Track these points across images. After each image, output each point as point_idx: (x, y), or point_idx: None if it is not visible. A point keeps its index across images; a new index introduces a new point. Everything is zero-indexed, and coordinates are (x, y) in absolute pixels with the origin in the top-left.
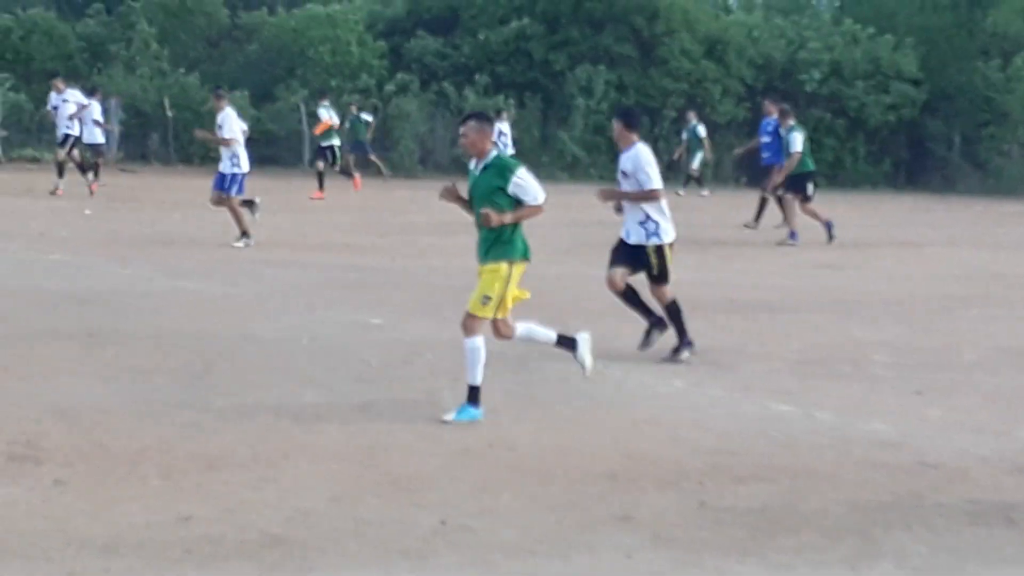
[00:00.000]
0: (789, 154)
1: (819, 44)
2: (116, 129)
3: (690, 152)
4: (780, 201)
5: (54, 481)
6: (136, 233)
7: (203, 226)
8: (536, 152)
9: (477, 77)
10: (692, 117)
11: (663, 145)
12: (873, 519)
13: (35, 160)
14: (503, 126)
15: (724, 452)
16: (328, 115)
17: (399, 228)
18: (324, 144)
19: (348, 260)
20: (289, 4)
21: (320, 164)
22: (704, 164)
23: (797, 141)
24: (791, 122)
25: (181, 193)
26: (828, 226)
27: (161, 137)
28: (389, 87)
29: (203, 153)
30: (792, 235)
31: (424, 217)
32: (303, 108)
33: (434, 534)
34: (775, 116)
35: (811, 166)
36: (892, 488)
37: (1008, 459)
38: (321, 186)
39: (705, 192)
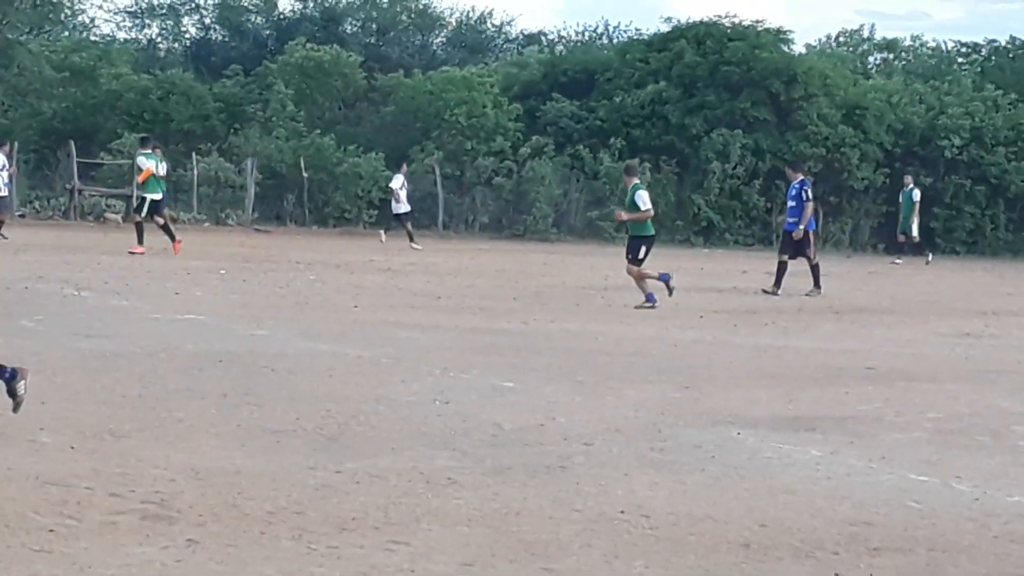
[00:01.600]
0: None
1: (959, 110)
2: (252, 190)
3: (905, 217)
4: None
5: (187, 541)
6: (270, 294)
7: (338, 288)
8: (671, 216)
9: (612, 140)
10: (909, 182)
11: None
12: None
13: (172, 220)
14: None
15: (860, 522)
16: (149, 163)
17: (533, 291)
18: (146, 195)
19: (482, 323)
20: (425, 67)
21: (137, 216)
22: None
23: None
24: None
25: (315, 254)
26: (664, 278)
27: (296, 198)
28: (524, 149)
29: (338, 215)
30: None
31: (558, 280)
32: (437, 170)
33: None
34: (798, 179)
35: (651, 230)
36: None
37: None
38: (140, 240)
39: (929, 257)
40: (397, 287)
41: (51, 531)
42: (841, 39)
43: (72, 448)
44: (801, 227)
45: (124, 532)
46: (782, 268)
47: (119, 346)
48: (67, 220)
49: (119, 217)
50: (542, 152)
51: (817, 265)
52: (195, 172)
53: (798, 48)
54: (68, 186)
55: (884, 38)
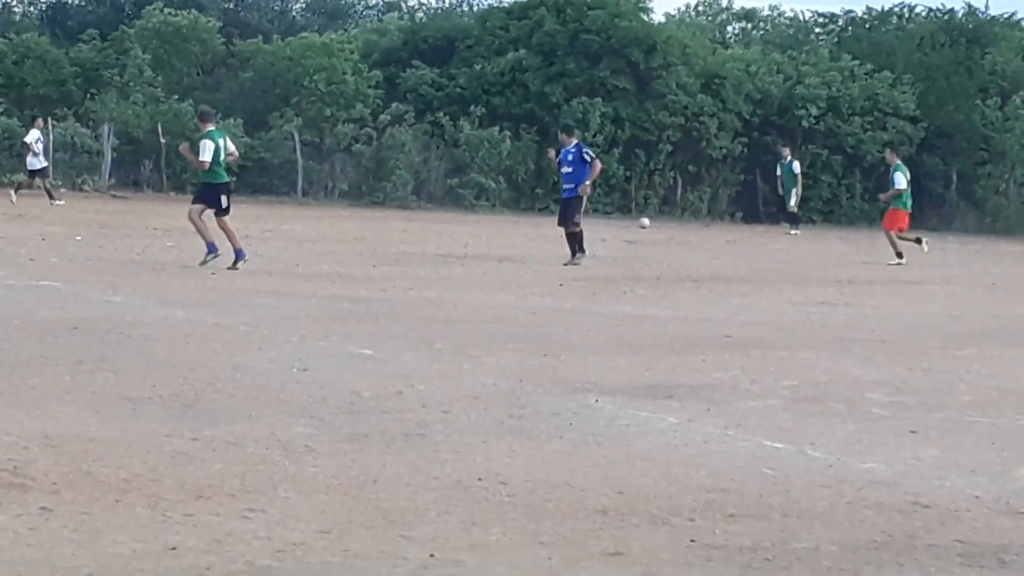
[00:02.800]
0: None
1: (816, 80)
2: (109, 155)
3: (785, 188)
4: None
5: (41, 508)
6: (127, 261)
7: (196, 254)
8: (530, 184)
9: (473, 108)
10: (787, 154)
11: (658, 179)
12: (866, 558)
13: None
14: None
15: (716, 489)
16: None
17: (392, 259)
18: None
19: (341, 291)
20: (284, 32)
21: None
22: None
23: None
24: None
25: (173, 220)
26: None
27: (154, 164)
28: (384, 117)
29: (195, 181)
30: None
31: (418, 247)
32: (297, 136)
33: (424, 568)
34: (573, 143)
35: (224, 178)
36: (885, 528)
37: (1003, 500)
38: None
39: (796, 231)
40: (255, 254)
41: None
42: (700, 8)
43: None
44: (587, 183)
45: None
46: (575, 237)
47: None
48: None
49: None
50: (402, 119)
51: (580, 232)
52: (51, 137)
53: (657, 17)
54: None
55: (743, 8)
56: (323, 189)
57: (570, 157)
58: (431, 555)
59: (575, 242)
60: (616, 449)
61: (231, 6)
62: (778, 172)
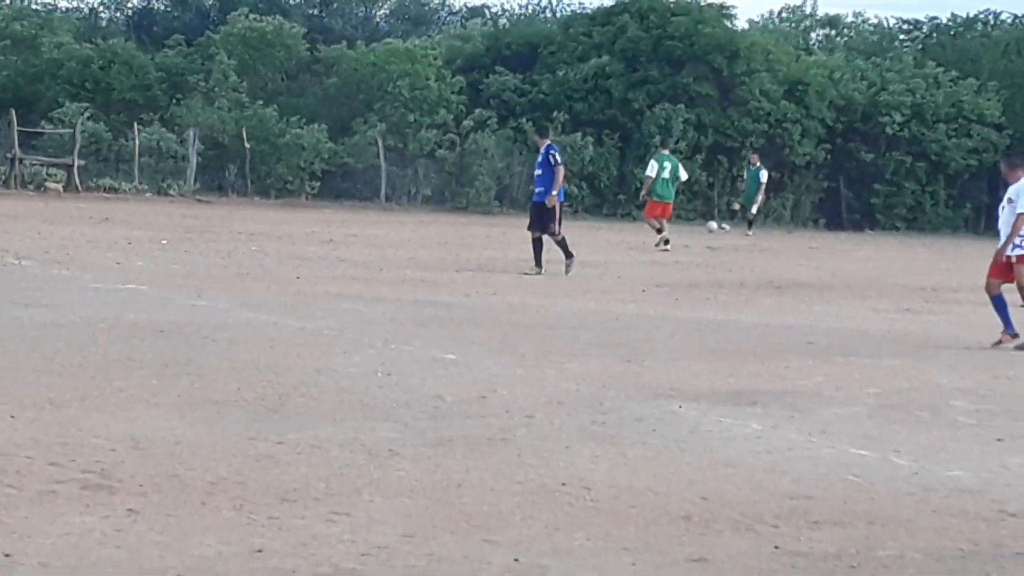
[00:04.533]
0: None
1: (901, 86)
2: (194, 160)
3: (747, 193)
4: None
5: (128, 511)
6: (212, 264)
7: (280, 259)
8: (613, 190)
9: (555, 114)
10: (755, 160)
11: (741, 185)
12: (951, 567)
13: (112, 190)
14: None
15: (800, 496)
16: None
17: (475, 264)
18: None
19: (424, 295)
20: (368, 38)
21: None
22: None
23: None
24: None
25: (257, 225)
26: None
27: (239, 169)
28: (467, 122)
29: (280, 186)
30: None
31: (500, 253)
32: (380, 142)
33: (507, 572)
34: (544, 145)
35: None
36: (970, 536)
37: None
38: None
39: (750, 232)
40: (339, 258)
41: None
42: (784, 15)
43: (12, 417)
44: (553, 194)
45: (64, 501)
46: (537, 245)
47: (60, 316)
48: (7, 189)
49: (60, 186)
50: (485, 125)
51: (563, 240)
52: (136, 142)
53: (741, 23)
54: (8, 155)
55: (826, 14)
56: (406, 194)
57: (539, 159)
58: (515, 560)
59: (565, 247)
60: (700, 455)
61: (315, 12)
62: (744, 176)
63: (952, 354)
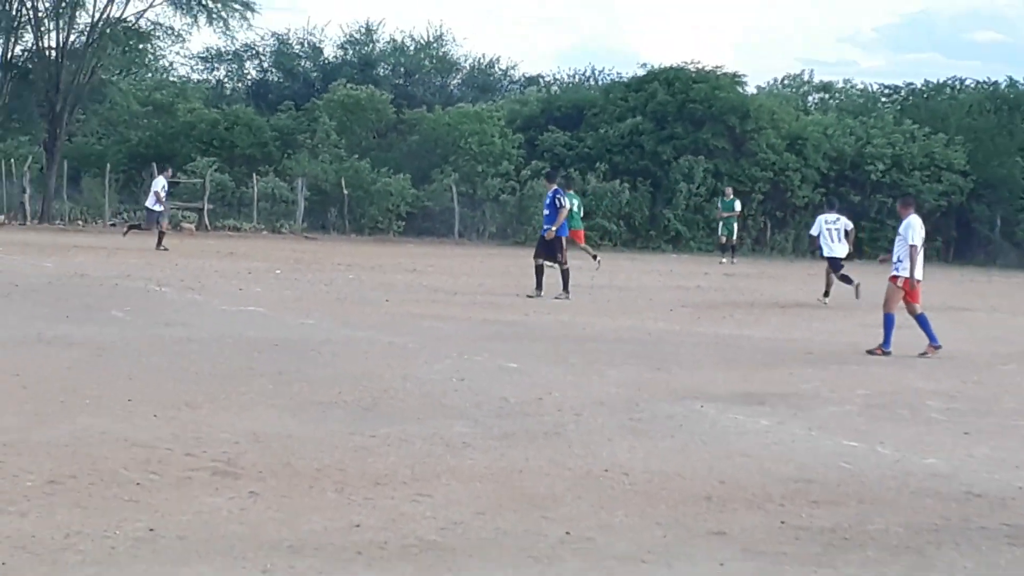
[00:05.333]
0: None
1: (883, 141)
2: (302, 204)
3: (725, 222)
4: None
5: (250, 493)
6: (317, 290)
7: (372, 285)
8: (645, 227)
9: (598, 165)
10: (729, 193)
11: (751, 223)
12: (927, 539)
13: (236, 229)
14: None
15: (802, 480)
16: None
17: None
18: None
19: (491, 315)
20: (444, 103)
21: None
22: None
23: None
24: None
25: (353, 258)
26: None
27: (338, 211)
28: (525, 172)
29: (372, 225)
30: None
31: (552, 279)
32: (454, 188)
33: (560, 543)
34: (552, 189)
35: None
36: (943, 513)
37: None
38: None
39: (732, 261)
40: (421, 284)
41: (137, 484)
42: (785, 81)
43: (155, 416)
44: (552, 229)
45: (197, 486)
46: (539, 271)
47: (193, 333)
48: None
49: (192, 226)
50: (540, 174)
51: (567, 271)
52: (255, 189)
53: (750, 89)
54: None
55: (821, 81)
56: (475, 231)
57: (547, 201)
58: (567, 533)
59: (565, 279)
60: (719, 446)
61: (401, 81)
62: (719, 207)
63: (927, 362)
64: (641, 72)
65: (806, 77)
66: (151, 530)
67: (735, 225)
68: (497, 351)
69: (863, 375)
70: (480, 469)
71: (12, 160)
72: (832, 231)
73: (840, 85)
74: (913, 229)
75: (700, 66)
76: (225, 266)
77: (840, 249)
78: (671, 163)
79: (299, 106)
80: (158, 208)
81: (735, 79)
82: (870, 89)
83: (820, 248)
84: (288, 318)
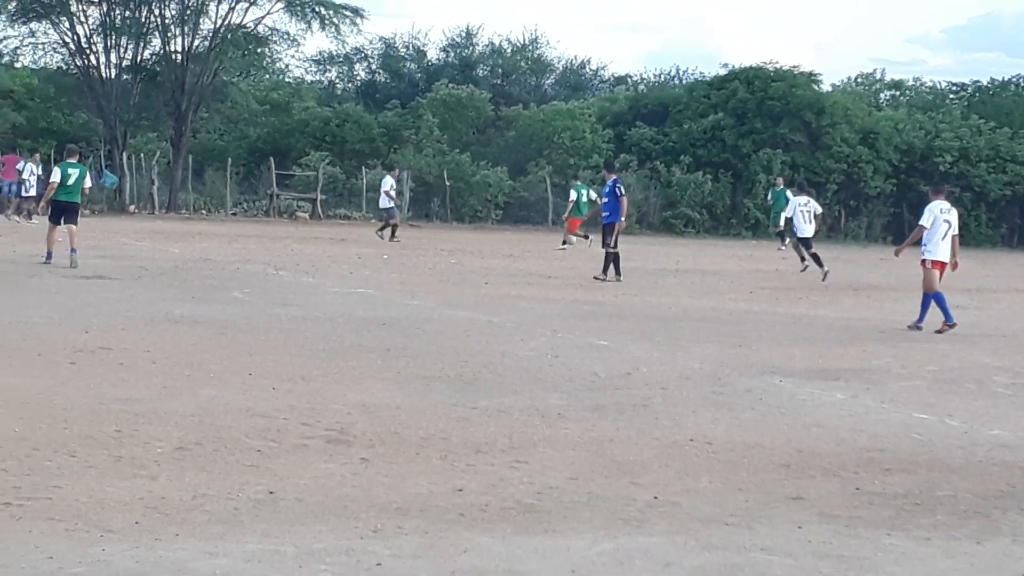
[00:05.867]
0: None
1: (951, 135)
2: (408, 195)
3: (775, 210)
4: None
5: (360, 459)
6: (421, 274)
7: (473, 269)
8: (727, 215)
9: (682, 157)
10: (780, 183)
11: (826, 212)
12: (993, 504)
13: (346, 217)
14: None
15: (875, 449)
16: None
17: (622, 272)
18: None
19: (582, 296)
20: (539, 100)
21: None
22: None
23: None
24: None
25: (455, 244)
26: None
27: (441, 201)
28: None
29: (472, 214)
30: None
31: (640, 263)
32: (548, 180)
33: (649, 507)
34: (611, 179)
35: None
36: (1009, 480)
37: None
38: None
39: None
40: (517, 268)
41: (258, 451)
42: (858, 80)
43: (273, 389)
44: (622, 220)
45: (313, 452)
46: (609, 257)
47: (307, 313)
48: (267, 218)
49: (307, 215)
50: (628, 166)
51: (616, 255)
52: (364, 181)
53: (825, 87)
54: (269, 192)
55: (892, 79)
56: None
57: (605, 191)
58: (655, 497)
59: (609, 262)
60: (796, 418)
61: (499, 82)
62: (769, 198)
63: (993, 340)
64: (722, 72)
65: (878, 76)
66: (271, 493)
67: (784, 213)
68: (588, 329)
69: (932, 352)
70: (573, 438)
71: (142, 155)
72: (804, 213)
73: (910, 83)
74: (927, 212)
75: (778, 65)
76: (337, 251)
77: (809, 230)
78: (751, 156)
79: (404, 104)
80: (389, 204)
81: (811, 77)
82: (938, 86)
83: (795, 229)
84: (395, 299)
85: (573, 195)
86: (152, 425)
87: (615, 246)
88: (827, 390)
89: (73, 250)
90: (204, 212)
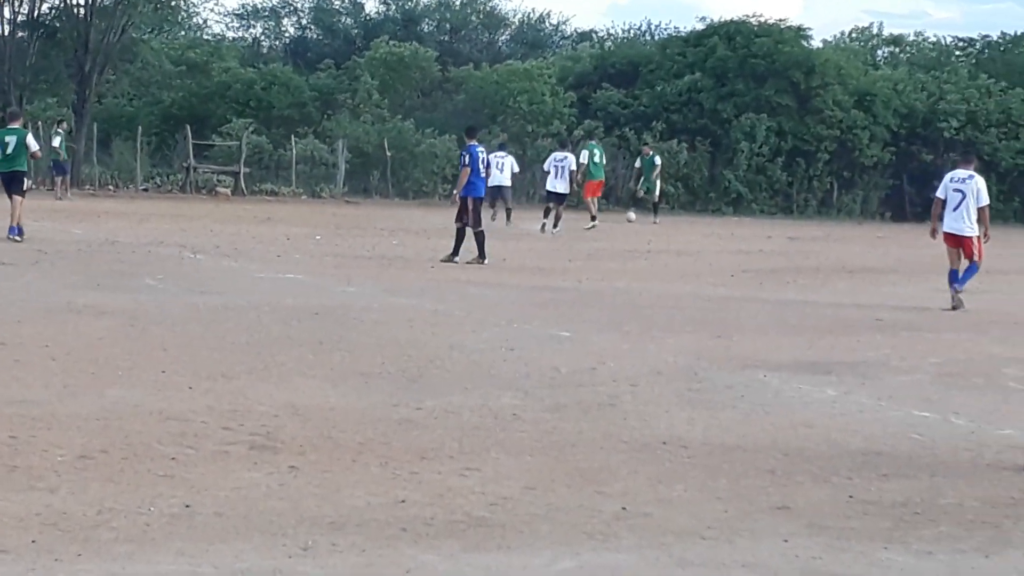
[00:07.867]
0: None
1: (957, 96)
2: (343, 167)
3: (647, 179)
4: None
5: (289, 467)
6: (359, 256)
7: (418, 250)
8: (704, 189)
9: (654, 124)
10: (648, 151)
11: (817, 184)
12: (1004, 513)
13: (273, 193)
14: None
15: (871, 452)
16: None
17: (585, 254)
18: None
19: (541, 281)
20: (492, 60)
21: None
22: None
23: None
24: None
25: (397, 222)
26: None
27: (381, 174)
28: (577, 132)
29: (417, 189)
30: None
31: (607, 244)
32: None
33: (616, 519)
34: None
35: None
36: (1021, 486)
37: None
38: None
39: (657, 220)
40: (468, 250)
41: (172, 459)
42: (853, 35)
43: (190, 388)
44: (455, 193)
45: (235, 460)
46: (460, 235)
47: (229, 301)
48: (184, 193)
49: (228, 191)
50: (593, 134)
51: (482, 232)
52: (294, 152)
53: (815, 43)
54: (185, 164)
55: (891, 34)
56: (526, 194)
57: (466, 157)
58: (623, 508)
59: (460, 241)
60: (782, 417)
61: (446, 38)
62: (638, 165)
63: (1003, 327)
64: (700, 26)
65: (875, 30)
66: (187, 506)
67: (658, 183)
68: (548, 319)
69: (935, 342)
70: (531, 442)
71: (40, 123)
72: (559, 168)
73: (911, 38)
74: (942, 184)
75: (762, 19)
76: (262, 232)
77: (562, 186)
78: (731, 122)
79: (339, 65)
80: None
81: (799, 32)
82: (943, 42)
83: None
84: (329, 285)
85: (584, 156)
86: (51, 431)
87: (478, 225)
88: (817, 385)
89: (12, 228)
90: (111, 188)
